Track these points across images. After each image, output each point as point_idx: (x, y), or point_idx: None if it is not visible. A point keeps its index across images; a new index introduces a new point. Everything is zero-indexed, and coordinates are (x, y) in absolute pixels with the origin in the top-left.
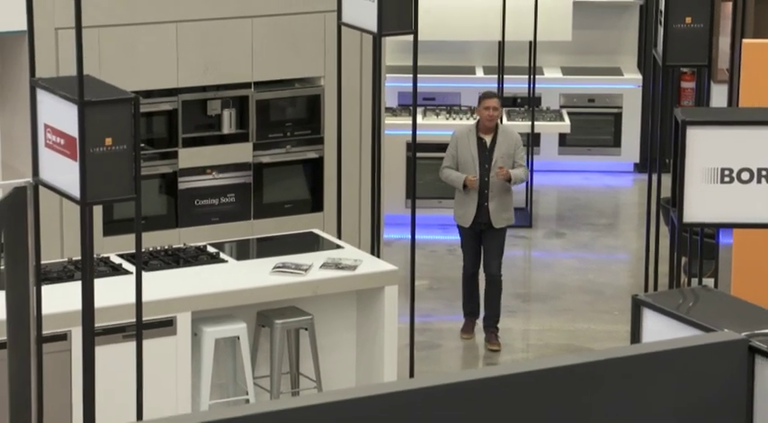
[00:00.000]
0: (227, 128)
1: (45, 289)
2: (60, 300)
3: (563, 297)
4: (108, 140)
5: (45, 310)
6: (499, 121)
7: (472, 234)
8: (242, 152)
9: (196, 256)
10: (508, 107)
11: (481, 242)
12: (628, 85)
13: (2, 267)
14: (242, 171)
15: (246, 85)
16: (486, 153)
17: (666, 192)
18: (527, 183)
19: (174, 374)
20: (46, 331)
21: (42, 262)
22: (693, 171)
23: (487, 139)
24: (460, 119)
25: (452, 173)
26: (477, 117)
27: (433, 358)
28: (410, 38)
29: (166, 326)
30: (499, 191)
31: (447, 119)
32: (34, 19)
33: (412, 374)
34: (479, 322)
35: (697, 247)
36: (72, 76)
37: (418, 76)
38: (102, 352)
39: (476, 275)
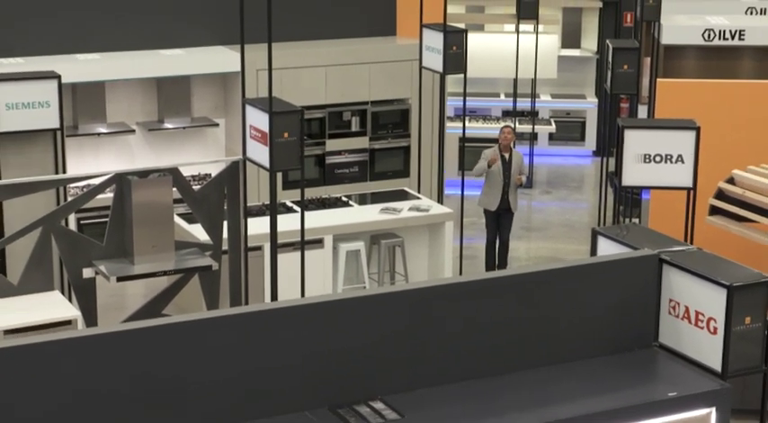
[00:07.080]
0: (354, 128)
1: (249, 220)
2: (258, 226)
3: (550, 229)
4: (285, 134)
5: (249, 233)
6: (512, 144)
7: (494, 215)
8: (362, 142)
9: (335, 202)
10: (519, 117)
11: (498, 220)
12: (589, 105)
13: (225, 207)
14: (362, 153)
15: (365, 103)
16: (505, 164)
17: (611, 167)
18: (530, 162)
19: (322, 271)
20: (249, 245)
21: (247, 204)
22: (628, 155)
23: (506, 155)
24: (490, 123)
25: (479, 163)
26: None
27: (473, 264)
28: (462, 75)
29: (318, 243)
30: (512, 189)
31: (483, 124)
32: (245, 64)
33: (461, 273)
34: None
35: (629, 200)
36: (265, 97)
37: (466, 98)
38: (281, 258)
39: (494, 242)
